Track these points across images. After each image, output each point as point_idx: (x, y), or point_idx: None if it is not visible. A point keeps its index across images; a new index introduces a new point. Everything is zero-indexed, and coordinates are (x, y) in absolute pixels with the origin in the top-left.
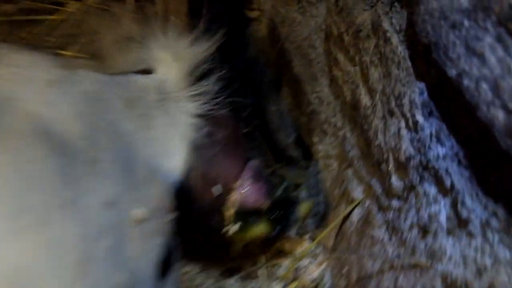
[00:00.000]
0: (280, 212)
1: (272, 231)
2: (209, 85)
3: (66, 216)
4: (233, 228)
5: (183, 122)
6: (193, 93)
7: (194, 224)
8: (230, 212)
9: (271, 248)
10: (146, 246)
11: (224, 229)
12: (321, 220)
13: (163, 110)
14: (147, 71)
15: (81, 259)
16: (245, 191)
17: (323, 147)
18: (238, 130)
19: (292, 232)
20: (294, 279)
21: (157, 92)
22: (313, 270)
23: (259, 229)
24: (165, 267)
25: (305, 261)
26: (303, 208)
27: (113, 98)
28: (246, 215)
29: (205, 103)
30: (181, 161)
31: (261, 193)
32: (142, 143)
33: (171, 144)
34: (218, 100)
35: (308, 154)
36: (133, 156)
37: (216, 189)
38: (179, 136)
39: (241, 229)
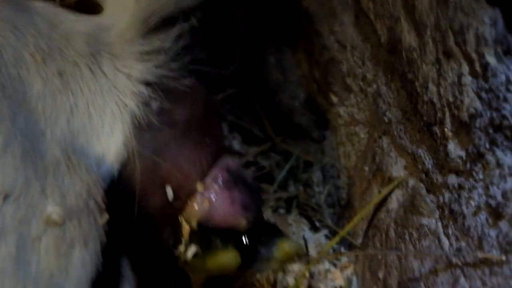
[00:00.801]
0: (255, 238)
1: (241, 263)
2: (170, 40)
3: None
4: (188, 252)
5: (123, 87)
6: (144, 48)
7: (137, 238)
8: (185, 228)
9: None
10: (65, 259)
11: (177, 251)
12: (344, 209)
13: (93, 67)
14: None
15: None
16: (211, 200)
17: (346, 109)
18: (208, 109)
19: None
20: None
21: (90, 41)
22: (336, 276)
23: (225, 258)
24: None
25: (323, 265)
26: (283, 247)
27: (21, 41)
28: (209, 235)
29: (160, 65)
30: (118, 144)
31: (235, 206)
32: (56, 113)
33: (103, 118)
34: (180, 63)
35: (323, 121)
36: (41, 130)
37: (169, 192)
38: (116, 108)
39: (200, 255)
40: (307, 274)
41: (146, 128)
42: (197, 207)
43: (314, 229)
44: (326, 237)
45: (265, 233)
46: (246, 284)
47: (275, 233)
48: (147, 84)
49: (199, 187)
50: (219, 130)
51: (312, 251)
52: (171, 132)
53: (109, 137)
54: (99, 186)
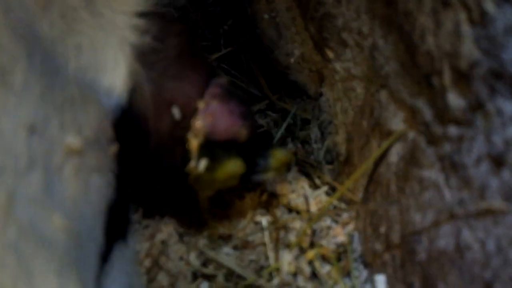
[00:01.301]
0: (252, 148)
1: (245, 170)
2: None
3: None
4: (200, 166)
5: (120, 23)
6: None
7: (148, 161)
8: (194, 143)
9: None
10: (85, 186)
11: (188, 167)
12: (343, 165)
13: (91, 9)
14: None
15: (7, 194)
16: (213, 114)
17: (342, 64)
18: (192, 35)
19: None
20: (311, 246)
21: None
22: (337, 232)
23: (230, 166)
24: (119, 218)
25: (324, 222)
26: (277, 156)
27: None
28: (214, 147)
29: None
30: (123, 75)
31: (234, 117)
32: (66, 53)
33: (107, 53)
34: None
35: (319, 77)
36: (55, 69)
37: (174, 113)
38: (117, 42)
39: (209, 167)
40: (309, 231)
41: (148, 53)
42: (201, 122)
43: (314, 186)
44: (327, 193)
45: (259, 144)
46: (248, 240)
47: (268, 143)
48: (142, 15)
49: (201, 104)
50: (204, 54)
51: (313, 208)
52: (170, 55)
53: (114, 69)
54: (109, 118)
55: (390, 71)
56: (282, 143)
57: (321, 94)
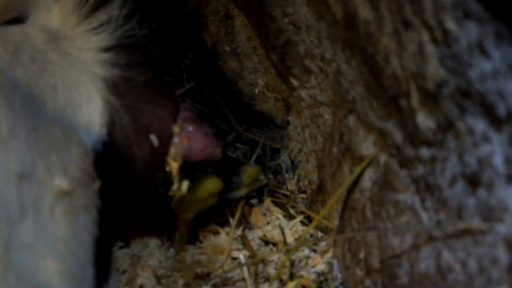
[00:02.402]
0: (225, 168)
1: (223, 187)
2: (113, 10)
3: None
4: (183, 187)
5: (88, 60)
6: (91, 26)
7: (131, 191)
8: (174, 167)
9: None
10: (75, 225)
11: (171, 191)
12: (316, 193)
13: (58, 50)
14: (21, 20)
15: (3, 244)
16: (188, 136)
17: (308, 91)
18: (155, 68)
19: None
20: (291, 278)
21: (45, 32)
22: (316, 261)
23: (210, 184)
24: (103, 258)
25: (302, 252)
26: (248, 172)
27: None
28: (192, 169)
29: (113, 31)
30: (99, 109)
31: (209, 138)
32: (42, 94)
33: (80, 90)
34: (130, 24)
35: (286, 106)
36: (35, 112)
37: (152, 139)
38: (88, 78)
39: (190, 188)
40: (287, 263)
41: (119, 84)
42: (178, 146)
43: (289, 216)
44: (302, 223)
45: (231, 163)
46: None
47: (238, 162)
48: (108, 49)
49: (176, 128)
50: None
51: (290, 239)
52: (139, 83)
53: (90, 105)
54: (90, 155)
55: (356, 96)
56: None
57: (288, 123)
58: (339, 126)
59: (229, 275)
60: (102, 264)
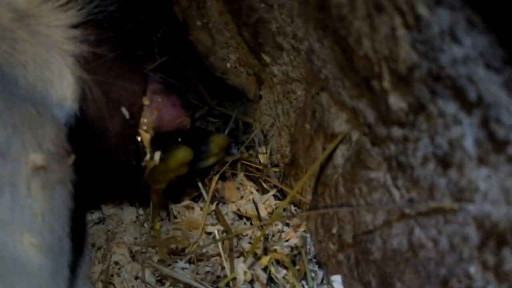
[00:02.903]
0: (194, 138)
1: (193, 156)
2: None
3: None
4: (155, 157)
5: (58, 37)
6: (58, 3)
7: (104, 164)
8: (146, 138)
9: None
10: (51, 199)
11: (143, 162)
12: (289, 167)
13: (27, 29)
14: None
15: None
16: (158, 108)
17: (280, 68)
18: (124, 42)
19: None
20: (265, 252)
21: (11, 12)
22: (290, 235)
23: (181, 153)
24: (78, 231)
25: (275, 226)
26: (216, 141)
27: None
28: (162, 139)
29: (81, 8)
30: (71, 85)
31: (178, 108)
32: (13, 73)
33: (51, 67)
34: (97, 1)
35: (258, 81)
36: (8, 90)
37: (124, 112)
38: (58, 54)
39: (162, 158)
40: (262, 238)
41: (90, 59)
42: (149, 118)
43: (262, 190)
44: (275, 197)
45: (199, 132)
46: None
47: (206, 132)
48: (76, 26)
49: (146, 101)
50: (134, 55)
51: (263, 213)
52: (109, 59)
53: (62, 81)
54: (63, 131)
55: (328, 74)
56: (226, 148)
57: (260, 97)
58: (311, 103)
59: (204, 250)
60: (78, 237)
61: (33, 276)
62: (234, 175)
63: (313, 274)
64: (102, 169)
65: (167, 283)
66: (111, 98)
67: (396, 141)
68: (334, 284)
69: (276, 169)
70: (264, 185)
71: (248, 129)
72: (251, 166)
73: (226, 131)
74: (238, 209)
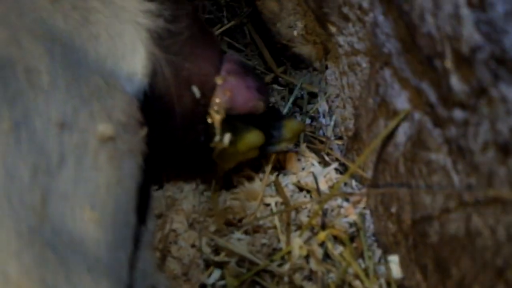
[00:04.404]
0: (266, 122)
1: (265, 141)
2: None
3: (10, 144)
4: (224, 140)
5: (132, 9)
6: None
7: (171, 141)
8: (217, 119)
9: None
10: (119, 171)
11: (213, 143)
12: (352, 141)
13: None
14: None
15: (41, 194)
16: (231, 89)
17: (346, 39)
18: (199, 17)
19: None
20: (322, 227)
21: None
22: (349, 211)
23: (252, 137)
24: (143, 202)
25: (334, 201)
26: (290, 126)
27: None
28: (234, 121)
29: None
30: (142, 60)
31: (252, 91)
32: (84, 44)
33: (124, 40)
34: None
35: (324, 50)
36: (77, 61)
37: (194, 91)
38: (132, 28)
39: (232, 140)
40: (320, 212)
41: (164, 36)
42: (221, 98)
43: (324, 163)
44: (336, 170)
45: (273, 116)
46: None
47: (280, 116)
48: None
49: (219, 80)
50: (212, 32)
51: (323, 186)
52: (183, 36)
53: (133, 55)
54: (135, 102)
55: (392, 49)
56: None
57: (327, 67)
58: (375, 77)
59: (261, 222)
60: (143, 210)
61: (90, 252)
62: (296, 146)
63: (370, 253)
64: (169, 145)
65: (222, 254)
66: (182, 76)
67: (457, 123)
68: (391, 265)
69: (339, 142)
70: (326, 158)
71: (313, 99)
72: (314, 138)
73: (291, 100)
74: (299, 181)
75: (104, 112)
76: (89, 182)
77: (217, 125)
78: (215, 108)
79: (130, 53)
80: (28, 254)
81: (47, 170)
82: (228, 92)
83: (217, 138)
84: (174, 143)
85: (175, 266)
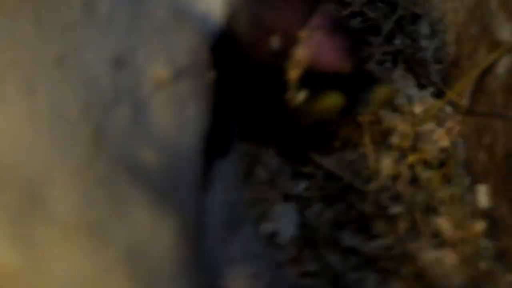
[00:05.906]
0: (355, 83)
1: (345, 105)
2: None
3: (57, 77)
4: (299, 96)
5: None
6: None
7: (246, 89)
8: (294, 73)
9: None
10: (179, 117)
11: (287, 97)
12: (451, 67)
13: None
14: None
15: (93, 132)
16: (316, 46)
17: None
18: None
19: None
20: (413, 150)
21: None
22: (441, 136)
23: (330, 100)
24: (221, 138)
25: (427, 126)
26: (379, 93)
27: None
28: (314, 80)
29: None
30: (219, 0)
31: (339, 50)
32: None
33: None
34: None
35: None
36: None
37: (275, 41)
38: None
39: (307, 99)
40: (412, 135)
41: None
42: (302, 54)
43: (420, 86)
44: (432, 94)
45: (363, 79)
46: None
47: (371, 79)
48: None
49: (303, 34)
50: None
51: (417, 110)
52: None
53: None
54: (205, 43)
55: None
56: (391, 37)
57: None
58: (480, 5)
59: (351, 138)
60: (218, 145)
61: (150, 190)
62: (394, 66)
63: (459, 180)
64: (240, 95)
65: (310, 166)
66: (263, 24)
67: None
68: (479, 194)
69: (438, 66)
70: (423, 81)
71: (416, 20)
72: (413, 60)
73: (393, 19)
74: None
75: (165, 53)
76: (146, 124)
77: (294, 80)
78: (294, 62)
79: None
80: (78, 192)
81: (100, 104)
82: (312, 49)
83: (291, 93)
84: (246, 93)
85: (262, 173)
